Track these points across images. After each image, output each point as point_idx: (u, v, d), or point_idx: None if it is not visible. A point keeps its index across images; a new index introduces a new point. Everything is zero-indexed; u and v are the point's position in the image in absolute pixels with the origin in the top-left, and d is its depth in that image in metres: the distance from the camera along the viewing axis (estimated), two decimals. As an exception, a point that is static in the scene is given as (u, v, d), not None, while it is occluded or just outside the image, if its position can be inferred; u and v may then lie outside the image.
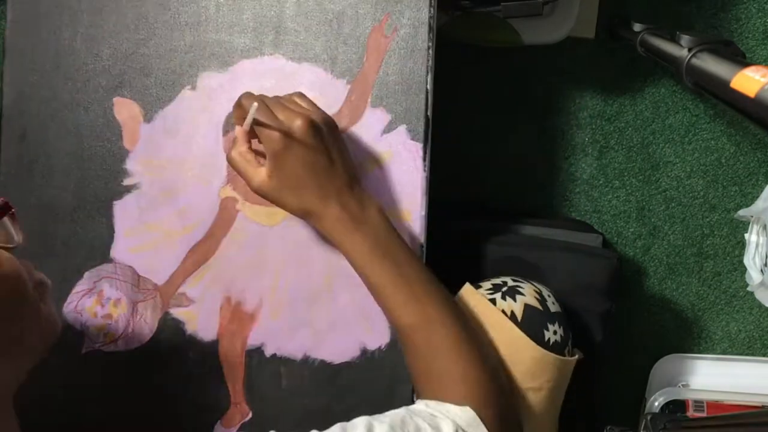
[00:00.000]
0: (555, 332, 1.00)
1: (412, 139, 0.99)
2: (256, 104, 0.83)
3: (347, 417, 1.00)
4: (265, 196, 0.87)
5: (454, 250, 1.25)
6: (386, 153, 0.99)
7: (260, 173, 0.85)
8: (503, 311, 1.00)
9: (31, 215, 0.99)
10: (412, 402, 0.98)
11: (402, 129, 0.99)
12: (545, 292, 1.05)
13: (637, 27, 1.27)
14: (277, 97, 0.89)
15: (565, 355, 1.03)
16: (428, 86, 0.99)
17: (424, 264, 0.92)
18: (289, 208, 0.87)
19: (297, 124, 0.84)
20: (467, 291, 1.04)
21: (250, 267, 0.99)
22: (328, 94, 0.98)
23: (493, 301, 1.02)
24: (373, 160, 0.98)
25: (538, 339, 0.98)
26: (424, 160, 0.99)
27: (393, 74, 0.98)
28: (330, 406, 1.00)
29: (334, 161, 0.87)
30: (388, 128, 0.99)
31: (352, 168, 0.91)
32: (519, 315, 1.00)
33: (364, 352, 1.00)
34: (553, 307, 1.04)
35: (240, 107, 0.86)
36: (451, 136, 1.46)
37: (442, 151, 1.44)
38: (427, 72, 0.99)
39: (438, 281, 0.89)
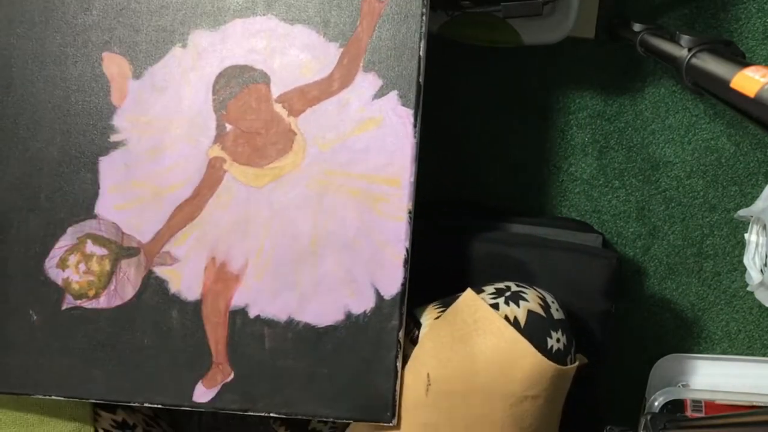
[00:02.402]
0: (558, 340, 0.98)
1: (403, 105, 0.99)
2: None
3: (330, 380, 0.99)
4: None
5: (452, 248, 1.24)
6: (377, 118, 0.99)
7: None
8: (506, 316, 0.98)
9: (16, 168, 0.99)
10: (395, 367, 0.98)
11: (393, 95, 0.99)
12: (549, 299, 1.03)
13: (637, 27, 1.27)
14: None
15: (567, 364, 1.00)
16: (421, 53, 0.99)
17: None
18: None
19: None
20: (468, 296, 1.03)
21: (236, 228, 0.99)
22: (320, 56, 0.99)
23: (496, 306, 1.00)
24: (363, 125, 0.98)
25: (541, 346, 0.96)
26: (415, 126, 0.99)
27: (386, 39, 0.99)
28: (313, 369, 0.99)
29: None
30: (380, 93, 0.99)
31: None
32: (522, 321, 0.98)
33: (349, 315, 0.99)
34: (557, 314, 1.01)
35: None
36: (451, 136, 1.46)
37: (442, 151, 1.44)
38: (421, 38, 0.99)
39: None
